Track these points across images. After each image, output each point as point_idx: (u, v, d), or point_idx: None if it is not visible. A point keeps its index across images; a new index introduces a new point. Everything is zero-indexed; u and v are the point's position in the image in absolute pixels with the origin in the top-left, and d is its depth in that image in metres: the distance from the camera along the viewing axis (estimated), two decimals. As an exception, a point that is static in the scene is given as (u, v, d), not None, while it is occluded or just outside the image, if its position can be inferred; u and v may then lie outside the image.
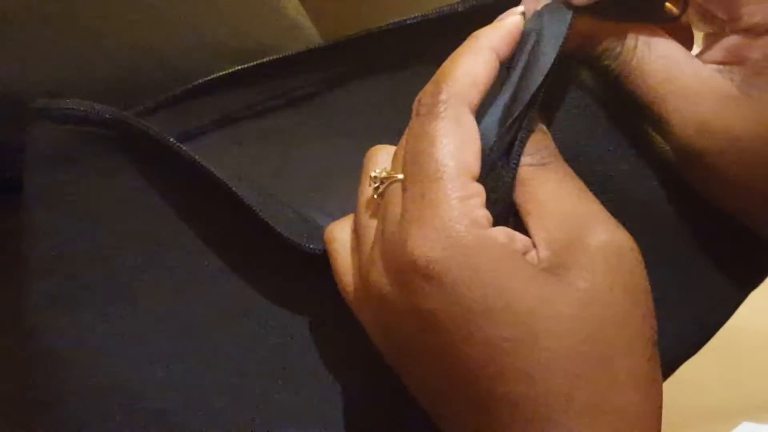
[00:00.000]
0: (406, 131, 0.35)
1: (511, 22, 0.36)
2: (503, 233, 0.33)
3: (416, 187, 0.33)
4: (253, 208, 0.38)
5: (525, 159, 0.36)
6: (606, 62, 0.38)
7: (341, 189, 0.40)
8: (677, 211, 0.39)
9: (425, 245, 0.32)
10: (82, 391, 0.39)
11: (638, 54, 0.38)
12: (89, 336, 0.39)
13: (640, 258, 0.34)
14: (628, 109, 0.39)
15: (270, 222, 0.38)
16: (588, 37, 0.38)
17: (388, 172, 0.35)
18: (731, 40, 0.38)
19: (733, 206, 0.39)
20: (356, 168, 0.38)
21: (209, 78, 0.42)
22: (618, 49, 0.38)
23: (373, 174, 0.36)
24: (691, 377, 0.48)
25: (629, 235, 0.34)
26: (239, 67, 0.42)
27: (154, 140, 0.39)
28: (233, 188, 0.38)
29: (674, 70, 0.37)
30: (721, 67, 0.38)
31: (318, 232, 0.39)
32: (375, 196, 0.36)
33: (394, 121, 0.38)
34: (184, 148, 0.39)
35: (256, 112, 0.43)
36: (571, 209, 0.35)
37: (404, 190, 0.34)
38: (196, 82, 0.42)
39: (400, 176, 0.34)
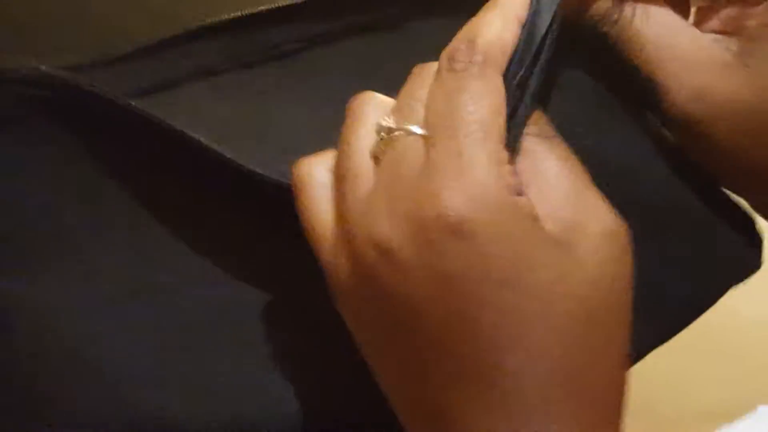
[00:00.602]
0: (433, 85, 0.34)
1: None
2: (529, 203, 0.33)
3: (452, 143, 0.32)
4: (210, 147, 0.36)
5: (529, 128, 0.35)
6: (604, 29, 0.38)
7: (311, 150, 0.38)
8: (668, 189, 0.39)
9: (459, 202, 0.31)
10: (29, 347, 0.37)
11: (636, 21, 0.38)
12: (32, 293, 0.38)
13: (629, 247, 0.34)
14: (621, 85, 0.39)
15: (227, 155, 0.36)
16: (586, 4, 0.38)
17: (399, 123, 0.34)
18: (727, 11, 0.38)
19: (728, 175, 0.39)
20: (335, 130, 0.36)
21: (191, 28, 0.40)
22: (616, 16, 0.38)
23: (382, 122, 0.34)
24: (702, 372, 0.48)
25: (623, 223, 0.34)
26: (222, 18, 0.41)
27: (98, 96, 0.37)
28: (187, 133, 0.37)
29: (672, 38, 0.37)
30: (719, 36, 0.38)
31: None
32: (380, 145, 0.34)
33: (380, 86, 0.36)
34: (131, 102, 0.37)
35: (239, 64, 0.41)
36: (573, 189, 0.34)
37: (431, 144, 0.33)
38: (177, 32, 0.40)
39: (418, 129, 0.33)
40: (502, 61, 0.34)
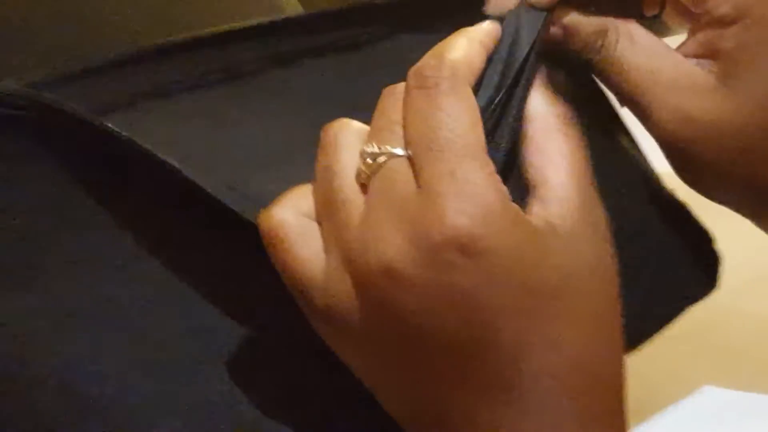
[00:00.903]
0: (406, 104, 0.34)
1: (491, 24, 0.37)
2: (518, 207, 0.33)
3: (441, 164, 0.32)
4: (177, 169, 0.36)
5: (557, 108, 0.36)
6: (589, 56, 0.39)
7: (273, 171, 0.38)
8: (630, 208, 0.40)
9: (466, 222, 0.31)
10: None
11: (620, 47, 0.39)
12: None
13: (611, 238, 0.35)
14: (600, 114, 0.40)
15: (198, 182, 0.36)
16: (570, 32, 0.39)
17: (382, 147, 0.34)
18: (705, 34, 0.39)
19: (718, 194, 0.40)
20: (296, 151, 0.36)
21: (146, 47, 0.40)
22: (600, 43, 0.39)
23: (366, 148, 0.34)
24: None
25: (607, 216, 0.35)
26: (178, 39, 0.40)
27: (68, 114, 0.36)
28: (155, 153, 0.36)
29: (656, 63, 0.39)
30: (701, 60, 0.39)
31: (247, 202, 0.36)
32: (366, 170, 0.34)
33: (343, 107, 0.36)
34: (100, 120, 0.36)
35: (193, 84, 0.40)
36: (583, 175, 0.35)
37: (419, 166, 0.33)
38: (126, 51, 0.39)
39: (401, 151, 0.33)
40: (470, 76, 0.34)
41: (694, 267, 0.46)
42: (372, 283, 0.32)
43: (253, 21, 0.41)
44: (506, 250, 0.32)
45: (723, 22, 0.39)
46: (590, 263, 0.34)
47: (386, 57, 0.41)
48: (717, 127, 0.38)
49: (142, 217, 0.38)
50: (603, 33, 0.39)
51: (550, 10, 0.38)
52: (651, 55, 0.39)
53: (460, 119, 0.33)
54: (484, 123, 0.34)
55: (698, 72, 0.38)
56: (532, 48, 0.36)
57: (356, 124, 0.36)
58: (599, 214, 0.35)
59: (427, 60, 0.35)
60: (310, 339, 0.35)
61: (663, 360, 0.53)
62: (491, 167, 0.33)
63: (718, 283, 0.47)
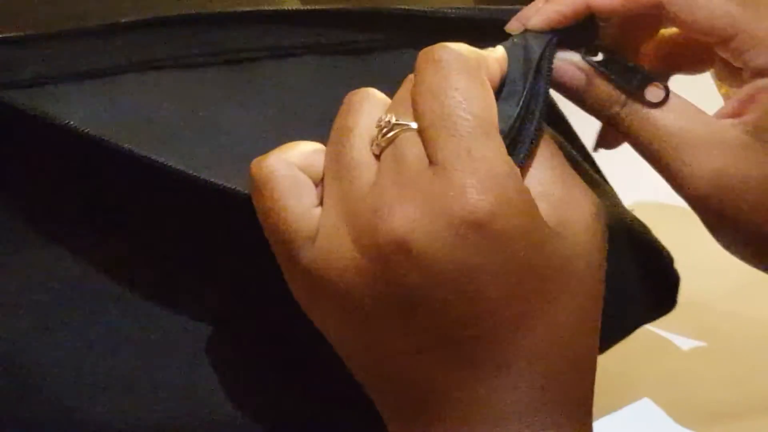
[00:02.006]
0: (417, 80, 0.34)
1: (503, 49, 0.38)
2: (528, 189, 0.34)
3: (458, 141, 0.33)
4: (159, 162, 0.36)
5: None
6: (614, 110, 0.39)
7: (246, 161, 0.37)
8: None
9: (486, 200, 0.32)
10: None
11: (648, 108, 0.39)
12: None
13: (605, 231, 0.36)
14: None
15: (158, 159, 0.35)
16: (595, 82, 0.39)
17: (399, 119, 0.34)
18: (745, 89, 0.39)
19: (745, 249, 0.40)
20: (282, 139, 0.36)
21: (143, 18, 0.40)
22: (625, 97, 0.39)
23: (386, 118, 0.34)
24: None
25: (601, 204, 0.36)
26: (175, 14, 0.40)
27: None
28: (110, 140, 0.35)
29: (685, 121, 0.38)
30: (734, 120, 0.38)
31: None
32: (380, 139, 0.34)
33: (330, 108, 0.36)
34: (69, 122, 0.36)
35: (185, 63, 0.40)
36: (561, 174, 0.35)
37: (430, 141, 0.33)
38: (125, 20, 0.39)
39: (414, 125, 0.34)
40: (485, 69, 0.35)
41: (653, 286, 0.47)
42: (379, 251, 0.32)
43: (257, 8, 0.41)
44: (519, 232, 0.32)
45: (761, 74, 0.38)
46: (586, 253, 0.34)
47: (386, 68, 0.42)
48: (751, 183, 0.37)
49: (98, 197, 0.38)
50: (628, 92, 0.39)
51: (557, 31, 0.39)
52: (680, 113, 0.38)
53: (474, 98, 0.33)
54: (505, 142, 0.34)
55: (730, 129, 0.38)
56: (542, 68, 0.37)
57: (381, 95, 0.36)
58: (594, 209, 0.35)
59: (437, 46, 0.35)
60: (272, 322, 0.36)
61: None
62: (504, 147, 0.33)
63: (675, 303, 0.48)
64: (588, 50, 0.39)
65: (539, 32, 0.39)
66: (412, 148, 0.33)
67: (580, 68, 0.39)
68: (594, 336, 0.35)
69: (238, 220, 0.36)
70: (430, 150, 0.33)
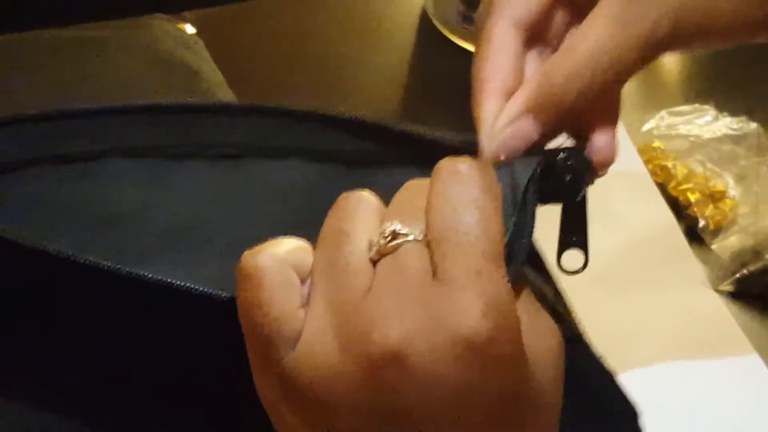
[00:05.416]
0: (434, 190, 0.34)
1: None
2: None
3: (470, 260, 0.32)
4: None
5: None
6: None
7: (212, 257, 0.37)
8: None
9: (489, 324, 0.31)
10: None
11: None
12: None
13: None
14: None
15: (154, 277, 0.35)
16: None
17: (404, 228, 0.34)
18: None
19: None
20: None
21: (124, 104, 0.40)
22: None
23: (389, 226, 0.34)
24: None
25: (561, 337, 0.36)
26: (155, 102, 0.40)
27: None
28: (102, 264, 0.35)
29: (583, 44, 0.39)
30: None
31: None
32: (382, 246, 0.33)
33: (317, 216, 0.35)
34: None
35: (164, 153, 0.40)
36: (530, 298, 0.36)
37: (439, 255, 0.32)
38: (109, 104, 0.40)
39: (421, 236, 0.33)
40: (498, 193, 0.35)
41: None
42: (370, 359, 0.32)
43: (245, 103, 0.41)
44: (511, 360, 0.32)
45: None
46: (552, 384, 0.35)
47: (371, 181, 0.39)
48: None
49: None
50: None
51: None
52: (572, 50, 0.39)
53: (491, 219, 0.33)
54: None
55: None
56: (529, 195, 0.37)
57: (376, 200, 0.35)
58: (558, 342, 0.36)
59: (448, 159, 0.35)
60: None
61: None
62: (507, 274, 0.33)
63: None
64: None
65: (527, 159, 0.39)
66: (416, 259, 0.33)
67: None
68: None
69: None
70: (438, 263, 0.32)
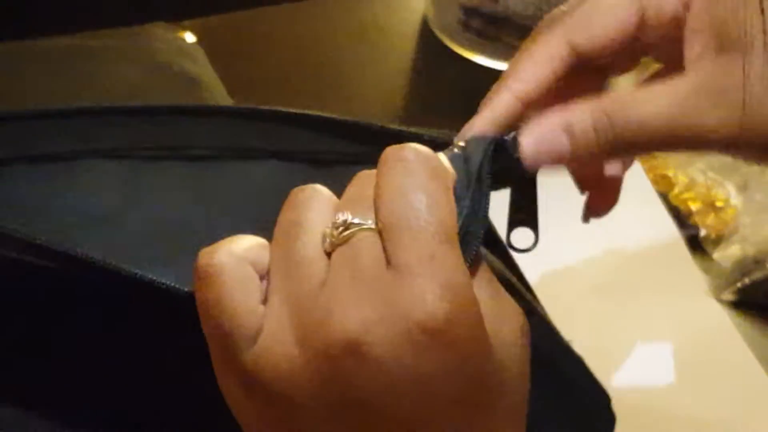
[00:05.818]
0: (381, 176, 0.34)
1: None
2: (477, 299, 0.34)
3: (421, 245, 0.32)
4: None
5: None
6: (608, 137, 0.38)
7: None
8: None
9: (445, 308, 0.31)
10: None
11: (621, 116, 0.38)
12: None
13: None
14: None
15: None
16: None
17: (355, 217, 0.33)
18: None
19: None
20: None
21: (102, 105, 0.40)
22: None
23: (340, 216, 0.33)
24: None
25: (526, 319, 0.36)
26: (133, 104, 0.40)
27: None
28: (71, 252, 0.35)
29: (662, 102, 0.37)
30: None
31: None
32: (334, 237, 0.33)
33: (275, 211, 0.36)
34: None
35: (144, 155, 0.40)
36: (492, 281, 0.35)
37: (391, 243, 0.32)
38: (83, 105, 0.40)
39: (372, 224, 0.33)
40: (449, 177, 0.35)
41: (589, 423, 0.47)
42: (328, 351, 0.31)
43: (222, 105, 0.42)
44: (470, 342, 0.32)
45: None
46: (517, 363, 0.34)
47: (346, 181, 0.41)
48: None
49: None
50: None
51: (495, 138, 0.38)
52: (656, 93, 0.37)
53: (441, 203, 0.33)
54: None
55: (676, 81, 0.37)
56: (483, 177, 0.37)
57: (328, 192, 0.35)
58: (521, 323, 0.35)
59: (394, 147, 0.34)
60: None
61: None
62: (462, 257, 0.33)
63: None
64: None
65: (480, 138, 0.38)
66: (369, 248, 0.33)
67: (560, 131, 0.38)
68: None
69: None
70: (390, 251, 0.32)
